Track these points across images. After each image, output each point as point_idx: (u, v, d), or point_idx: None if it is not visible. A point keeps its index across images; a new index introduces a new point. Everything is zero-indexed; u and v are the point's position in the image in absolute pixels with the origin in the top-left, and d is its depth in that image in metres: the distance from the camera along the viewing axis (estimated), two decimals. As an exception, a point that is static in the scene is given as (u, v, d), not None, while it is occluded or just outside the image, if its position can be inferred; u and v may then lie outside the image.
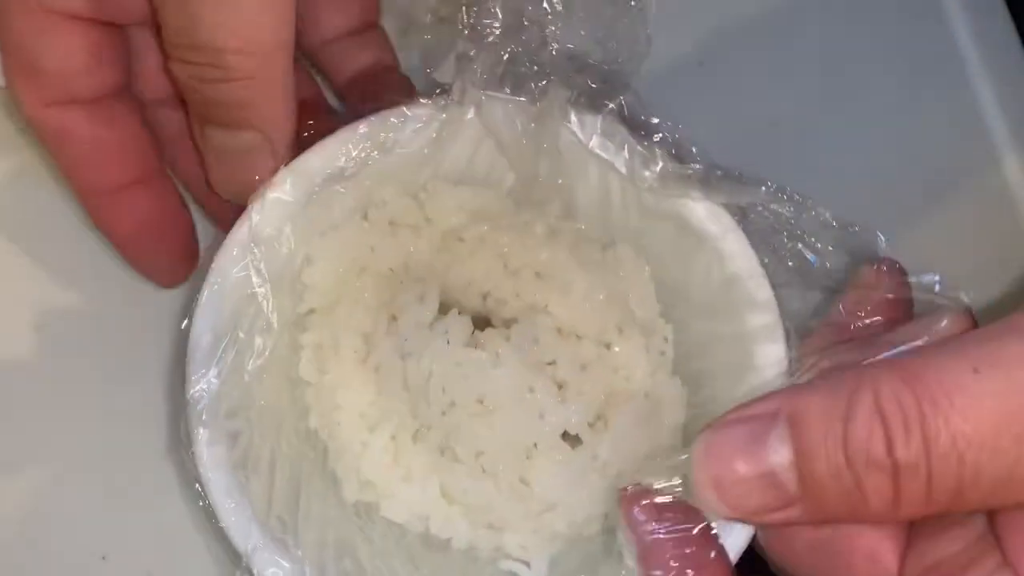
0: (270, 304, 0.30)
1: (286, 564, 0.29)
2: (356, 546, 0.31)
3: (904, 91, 0.41)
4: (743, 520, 0.26)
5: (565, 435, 0.32)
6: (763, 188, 0.31)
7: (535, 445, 0.31)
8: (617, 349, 0.33)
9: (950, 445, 0.23)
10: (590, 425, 0.32)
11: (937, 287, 0.29)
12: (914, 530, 0.28)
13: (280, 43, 0.29)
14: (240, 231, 0.30)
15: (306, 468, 0.32)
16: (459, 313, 0.32)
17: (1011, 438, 0.23)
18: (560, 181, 0.33)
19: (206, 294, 0.30)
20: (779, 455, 0.25)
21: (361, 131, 0.31)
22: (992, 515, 0.26)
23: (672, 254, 0.33)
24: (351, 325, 0.32)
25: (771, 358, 0.31)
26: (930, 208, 0.39)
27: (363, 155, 0.31)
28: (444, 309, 0.32)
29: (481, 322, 0.33)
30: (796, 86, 0.40)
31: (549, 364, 0.32)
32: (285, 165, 0.31)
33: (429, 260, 0.33)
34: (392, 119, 0.31)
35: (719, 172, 0.31)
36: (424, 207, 0.34)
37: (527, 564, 0.32)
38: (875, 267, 0.30)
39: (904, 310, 0.30)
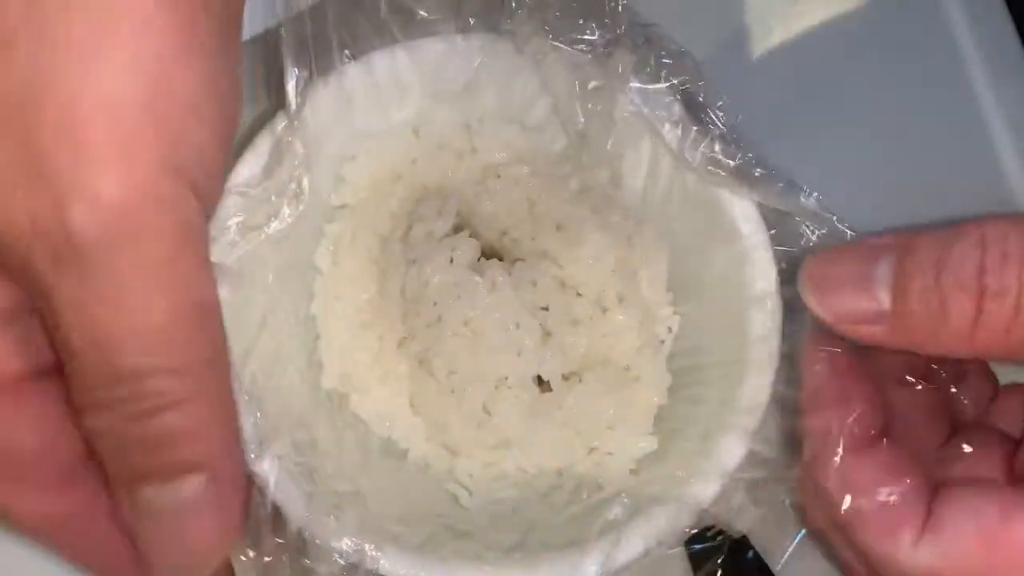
0: (306, 182, 0.32)
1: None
2: (316, 424, 0.32)
3: (904, 91, 0.41)
4: (834, 324, 0.28)
5: (540, 382, 0.33)
6: (801, 198, 0.31)
7: (506, 378, 0.32)
8: (611, 316, 0.33)
9: None
10: (564, 378, 0.33)
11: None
12: None
13: (216, 351, 0.25)
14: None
15: (294, 346, 0.34)
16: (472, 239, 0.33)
17: None
18: (609, 148, 0.33)
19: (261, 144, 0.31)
20: (881, 272, 0.27)
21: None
22: None
23: (697, 248, 0.34)
24: (372, 225, 0.34)
25: (761, 381, 0.31)
26: (930, 208, 0.39)
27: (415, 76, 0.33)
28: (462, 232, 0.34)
29: (491, 255, 0.34)
30: (795, 86, 0.40)
31: (542, 309, 0.33)
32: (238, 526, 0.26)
33: (462, 186, 0.34)
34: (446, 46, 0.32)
35: (765, 171, 0.32)
36: (473, 137, 0.35)
37: (469, 492, 0.33)
38: None
39: None
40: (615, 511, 0.30)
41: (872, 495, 0.27)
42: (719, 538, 0.32)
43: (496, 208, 0.34)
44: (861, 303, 0.27)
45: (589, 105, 0.33)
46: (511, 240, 0.34)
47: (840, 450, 0.28)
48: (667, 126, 0.32)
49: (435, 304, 0.32)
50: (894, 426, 0.29)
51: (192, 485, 0.24)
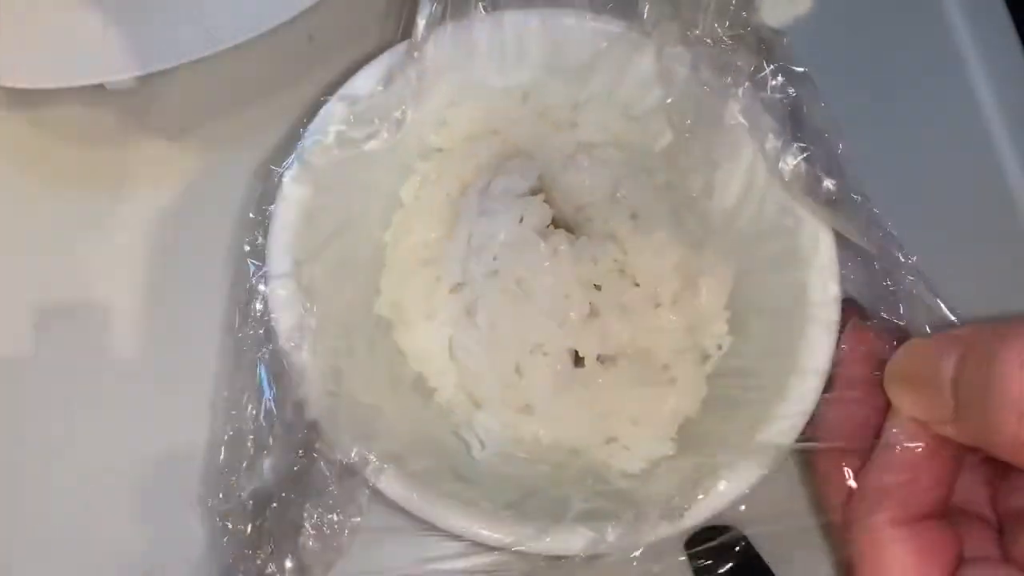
0: (410, 114, 0.33)
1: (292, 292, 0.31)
2: (358, 342, 0.34)
3: (904, 91, 0.41)
4: (920, 420, 0.28)
5: (576, 358, 0.34)
6: (881, 233, 0.31)
7: (543, 345, 0.33)
8: (662, 312, 0.34)
9: None
10: (600, 362, 0.34)
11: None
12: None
13: None
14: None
15: (359, 264, 0.35)
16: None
17: None
18: (711, 154, 0.34)
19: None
20: (945, 375, 0.27)
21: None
22: None
23: (765, 277, 0.34)
24: (458, 170, 0.35)
25: (792, 422, 0.31)
26: (930, 209, 0.39)
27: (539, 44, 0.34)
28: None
29: (561, 226, 0.35)
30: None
31: (595, 287, 0.34)
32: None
33: (553, 155, 0.35)
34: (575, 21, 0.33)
35: (858, 198, 0.31)
36: (577, 113, 0.36)
37: (482, 445, 0.34)
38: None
39: None
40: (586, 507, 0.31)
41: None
42: (719, 539, 0.32)
43: (579, 183, 0.35)
44: (935, 403, 0.27)
45: (702, 102, 0.33)
46: (585, 217, 0.35)
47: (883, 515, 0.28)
48: (770, 136, 0.32)
49: (495, 258, 0.33)
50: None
51: None
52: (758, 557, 0.34)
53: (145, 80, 0.37)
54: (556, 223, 0.35)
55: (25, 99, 0.40)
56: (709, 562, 0.33)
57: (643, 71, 0.34)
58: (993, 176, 0.40)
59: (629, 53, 0.34)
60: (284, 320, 0.30)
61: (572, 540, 0.30)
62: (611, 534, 0.30)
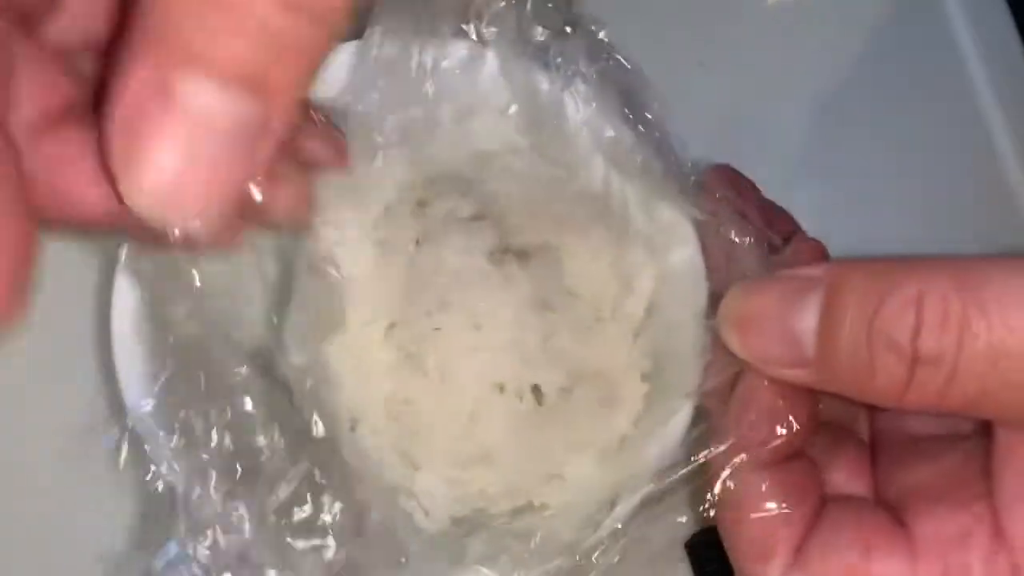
0: None
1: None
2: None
3: (904, 91, 0.41)
4: (757, 367, 0.26)
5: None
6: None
7: (502, 386, 0.30)
8: (608, 328, 0.32)
9: (986, 349, 0.23)
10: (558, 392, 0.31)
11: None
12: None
13: None
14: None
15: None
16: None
17: None
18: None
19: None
20: (807, 314, 0.24)
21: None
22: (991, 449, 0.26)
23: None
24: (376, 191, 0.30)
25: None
26: (929, 208, 0.39)
27: None
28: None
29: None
30: (795, 86, 0.40)
31: (549, 311, 0.31)
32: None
33: (464, 168, 0.31)
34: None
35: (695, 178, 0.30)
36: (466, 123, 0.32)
37: (426, 513, 0.30)
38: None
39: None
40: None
41: (755, 514, 0.26)
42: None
43: (508, 194, 0.31)
44: (784, 348, 0.25)
45: (542, 106, 0.30)
46: (516, 230, 0.32)
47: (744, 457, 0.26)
48: (609, 132, 0.30)
49: (441, 291, 0.29)
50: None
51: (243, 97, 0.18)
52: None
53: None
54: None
55: None
56: (711, 562, 0.32)
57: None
58: (993, 176, 0.41)
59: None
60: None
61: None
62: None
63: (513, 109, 0.31)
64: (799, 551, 0.26)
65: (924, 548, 0.25)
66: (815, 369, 0.25)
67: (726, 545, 0.27)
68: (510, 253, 0.31)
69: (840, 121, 0.40)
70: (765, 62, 0.41)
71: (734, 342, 0.26)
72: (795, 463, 0.27)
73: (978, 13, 0.43)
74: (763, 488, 0.26)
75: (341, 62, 0.28)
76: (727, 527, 0.27)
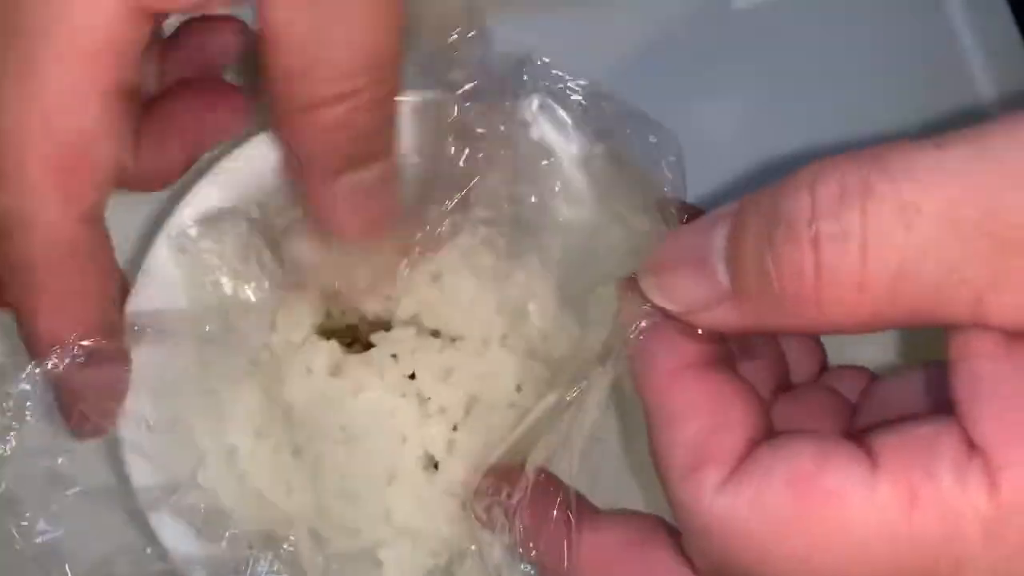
0: None
1: None
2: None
3: (904, 90, 0.40)
4: (679, 314, 0.24)
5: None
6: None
7: (395, 475, 0.32)
8: (491, 354, 0.33)
9: (897, 211, 0.20)
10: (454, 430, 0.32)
11: None
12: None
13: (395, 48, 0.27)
14: None
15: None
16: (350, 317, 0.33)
17: (974, 210, 0.19)
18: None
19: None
20: (717, 242, 0.23)
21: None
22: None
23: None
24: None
25: None
26: None
27: None
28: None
29: (380, 325, 0.33)
30: (795, 86, 0.40)
31: (410, 377, 0.32)
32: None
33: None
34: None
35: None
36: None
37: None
38: None
39: None
40: None
41: (681, 427, 0.24)
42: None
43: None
44: (700, 284, 0.23)
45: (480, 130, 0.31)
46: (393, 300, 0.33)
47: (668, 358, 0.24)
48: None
49: (309, 418, 0.32)
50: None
51: (383, 167, 0.29)
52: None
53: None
54: (373, 327, 0.33)
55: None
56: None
57: None
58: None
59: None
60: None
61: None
62: None
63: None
64: (741, 465, 0.23)
65: (885, 458, 0.21)
66: (732, 300, 0.22)
67: (651, 452, 0.24)
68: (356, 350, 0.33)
69: (839, 120, 0.40)
70: (764, 61, 0.41)
71: (651, 288, 0.24)
72: (727, 375, 0.24)
73: (979, 11, 0.41)
74: (691, 391, 0.24)
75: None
76: (652, 443, 0.24)
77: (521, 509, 0.27)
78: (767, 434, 0.23)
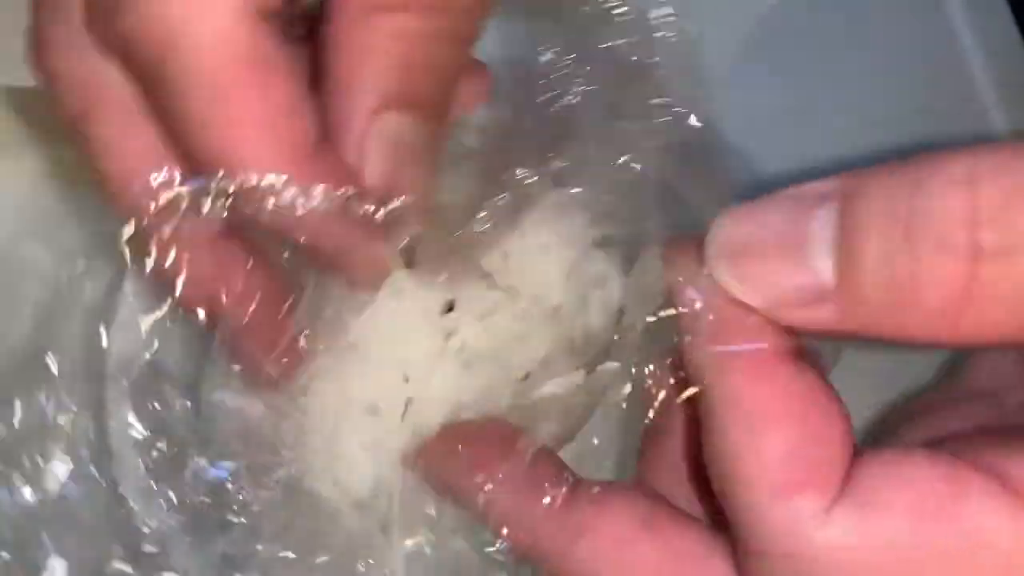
0: None
1: None
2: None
3: (904, 90, 0.40)
4: (764, 311, 0.20)
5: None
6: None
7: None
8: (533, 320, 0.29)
9: None
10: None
11: None
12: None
13: None
14: None
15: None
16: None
17: None
18: None
19: None
20: (819, 228, 0.19)
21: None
22: None
23: None
24: None
25: None
26: None
27: None
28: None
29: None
30: (794, 85, 0.40)
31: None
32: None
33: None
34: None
35: None
36: None
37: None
38: None
39: None
40: None
41: (773, 433, 0.20)
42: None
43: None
44: (795, 277, 0.20)
45: None
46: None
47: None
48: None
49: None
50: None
51: (431, 126, 0.24)
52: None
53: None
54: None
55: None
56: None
57: None
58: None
59: None
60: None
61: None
62: None
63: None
64: (848, 483, 0.19)
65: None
66: (838, 300, 0.19)
67: (713, 454, 0.21)
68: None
69: (839, 120, 0.39)
70: (763, 60, 0.40)
71: (730, 279, 0.20)
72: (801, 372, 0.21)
73: (979, 11, 0.41)
74: (776, 397, 0.20)
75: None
76: (726, 432, 0.20)
77: (507, 486, 0.23)
78: (856, 448, 0.21)
